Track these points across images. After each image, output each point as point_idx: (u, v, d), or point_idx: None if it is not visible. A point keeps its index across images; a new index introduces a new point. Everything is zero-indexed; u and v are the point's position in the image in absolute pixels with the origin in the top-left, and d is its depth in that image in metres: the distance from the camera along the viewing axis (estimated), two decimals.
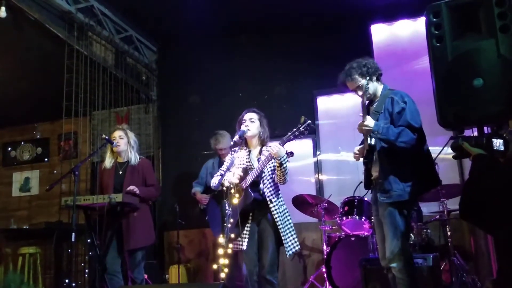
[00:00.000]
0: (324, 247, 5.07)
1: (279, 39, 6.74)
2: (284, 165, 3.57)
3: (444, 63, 2.50)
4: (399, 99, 3.20)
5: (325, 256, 4.92)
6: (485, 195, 2.27)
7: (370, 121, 3.13)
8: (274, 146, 3.47)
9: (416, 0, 5.50)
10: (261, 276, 3.60)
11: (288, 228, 3.67)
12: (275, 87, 6.75)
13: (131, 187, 4.26)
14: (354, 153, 3.42)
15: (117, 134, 4.46)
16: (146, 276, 4.72)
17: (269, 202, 3.65)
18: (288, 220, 3.70)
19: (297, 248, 3.65)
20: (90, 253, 6.32)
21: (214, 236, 5.64)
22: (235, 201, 3.66)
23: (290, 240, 3.63)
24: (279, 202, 3.71)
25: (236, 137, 3.74)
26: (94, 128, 7.04)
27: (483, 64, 2.40)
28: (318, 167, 6.37)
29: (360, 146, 3.38)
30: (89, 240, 6.02)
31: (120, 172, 4.41)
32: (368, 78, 3.30)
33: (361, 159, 3.39)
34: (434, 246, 4.71)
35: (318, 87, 6.49)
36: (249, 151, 3.85)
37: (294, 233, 3.69)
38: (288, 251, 3.61)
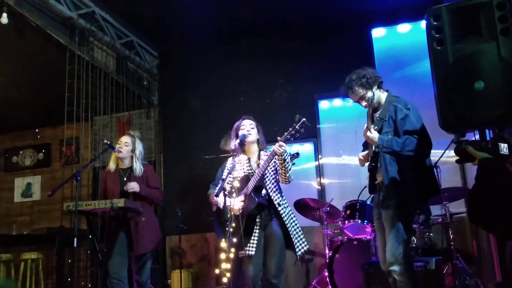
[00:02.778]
0: (327, 251, 5.07)
1: (280, 43, 6.75)
2: (287, 160, 3.62)
3: (445, 66, 2.49)
4: (402, 107, 3.22)
5: (327, 260, 4.91)
6: (494, 199, 2.27)
7: (374, 134, 3.14)
8: (277, 145, 3.53)
9: (417, 3, 5.53)
10: (265, 280, 3.63)
11: (296, 229, 3.73)
12: (276, 91, 6.76)
13: (132, 184, 4.23)
14: (359, 159, 3.43)
15: (124, 139, 4.44)
16: None
17: (277, 206, 3.69)
18: (294, 221, 3.76)
19: (306, 247, 3.72)
20: (92, 258, 6.32)
21: (218, 239, 5.66)
22: (237, 206, 3.67)
23: (299, 240, 3.70)
24: (285, 204, 3.77)
25: (237, 142, 3.76)
26: (95, 133, 7.06)
27: (484, 67, 2.40)
28: (319, 171, 6.36)
29: (365, 152, 3.39)
30: (91, 246, 6.02)
31: (125, 179, 4.39)
32: (369, 88, 3.31)
33: (366, 164, 3.39)
34: (436, 249, 4.71)
35: (319, 91, 6.49)
36: (249, 158, 3.88)
37: (302, 233, 3.75)
38: (298, 251, 3.67)
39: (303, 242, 3.71)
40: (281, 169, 3.65)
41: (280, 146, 3.50)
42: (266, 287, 3.63)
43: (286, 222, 3.66)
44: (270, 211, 3.72)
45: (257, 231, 3.72)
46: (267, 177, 3.73)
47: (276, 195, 3.72)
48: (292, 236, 3.65)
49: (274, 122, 6.21)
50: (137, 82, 7.04)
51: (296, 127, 3.44)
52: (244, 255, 3.69)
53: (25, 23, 5.30)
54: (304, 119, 3.44)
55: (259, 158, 3.84)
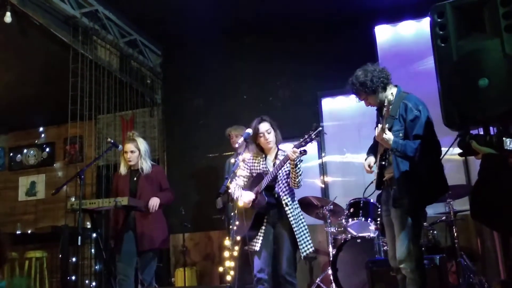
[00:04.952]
0: (330, 249, 5.06)
1: (283, 41, 6.74)
2: (299, 166, 3.67)
3: (449, 63, 2.49)
4: (413, 107, 3.13)
5: (331, 258, 4.91)
6: (497, 195, 2.26)
7: (390, 136, 3.09)
8: (292, 151, 3.55)
9: (420, 0, 5.50)
10: (281, 277, 3.69)
11: (303, 231, 3.77)
12: (279, 89, 6.75)
13: (152, 202, 4.27)
14: (366, 169, 3.38)
15: (129, 148, 4.45)
16: None
17: (284, 205, 3.75)
18: (302, 222, 3.80)
19: (311, 249, 3.76)
20: (97, 256, 6.34)
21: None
22: (241, 203, 3.71)
23: (305, 242, 3.73)
24: (294, 205, 3.81)
25: (240, 140, 3.80)
26: (99, 132, 7.07)
27: (488, 64, 2.39)
28: (323, 169, 6.35)
29: (371, 160, 3.36)
30: (95, 244, 6.04)
31: (135, 179, 4.45)
32: (373, 92, 3.23)
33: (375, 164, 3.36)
34: (440, 247, 4.69)
35: (323, 89, 6.48)
36: (265, 156, 3.91)
37: (308, 235, 3.78)
38: (303, 253, 3.71)
39: (309, 244, 3.75)
40: (292, 173, 3.70)
41: (294, 152, 3.53)
42: (282, 284, 3.69)
43: (292, 223, 3.71)
44: (280, 210, 3.77)
45: (263, 227, 3.78)
46: (280, 177, 3.79)
47: (285, 195, 3.78)
48: (297, 238, 3.70)
49: (278, 120, 6.21)
50: (140, 80, 7.05)
51: (312, 135, 3.49)
52: (249, 251, 3.76)
53: (28, 22, 5.31)
54: (320, 128, 3.47)
55: (276, 157, 3.89)
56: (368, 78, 3.22)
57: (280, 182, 3.79)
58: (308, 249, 3.73)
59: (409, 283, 3.09)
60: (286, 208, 3.74)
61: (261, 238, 3.75)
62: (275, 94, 6.73)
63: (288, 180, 3.78)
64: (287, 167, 3.74)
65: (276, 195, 3.78)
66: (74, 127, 5.93)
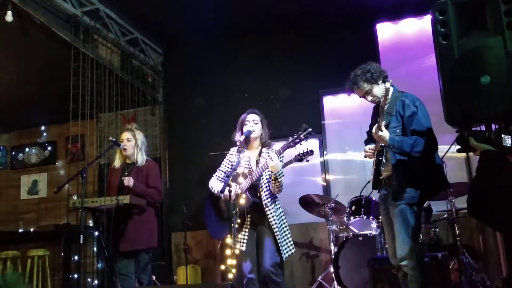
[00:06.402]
0: (332, 247, 5.06)
1: (284, 39, 6.74)
2: (279, 179, 3.63)
3: (451, 61, 2.48)
4: (410, 103, 3.19)
5: (333, 256, 4.91)
6: (494, 192, 2.25)
7: (386, 133, 3.11)
8: (273, 159, 3.51)
9: None
10: (266, 277, 3.67)
11: (284, 232, 3.76)
12: (280, 87, 6.74)
13: (128, 178, 4.20)
14: (367, 152, 3.39)
15: (125, 136, 4.43)
16: (154, 277, 4.71)
17: (264, 206, 3.72)
18: (284, 223, 3.80)
19: (292, 250, 3.77)
20: (99, 254, 6.35)
21: (211, 237, 5.69)
22: (242, 201, 3.71)
23: (286, 243, 3.73)
24: (275, 206, 3.79)
25: (242, 137, 3.77)
26: (101, 131, 7.08)
27: (490, 61, 2.38)
28: (325, 166, 6.35)
29: (372, 146, 3.36)
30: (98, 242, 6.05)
31: (126, 173, 4.38)
32: (374, 82, 3.28)
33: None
34: (442, 245, 4.70)
35: (324, 87, 6.48)
36: (247, 152, 3.89)
37: (290, 235, 3.79)
38: (284, 254, 3.70)
39: (291, 245, 3.76)
40: (273, 183, 3.68)
41: (273, 163, 3.48)
42: (268, 284, 3.67)
43: (272, 225, 3.69)
44: (262, 210, 3.75)
45: (248, 228, 3.78)
46: (263, 178, 3.77)
47: (266, 196, 3.75)
48: (279, 240, 3.68)
49: (279, 119, 6.22)
50: (141, 79, 7.05)
51: (301, 136, 3.46)
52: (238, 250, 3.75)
53: (29, 21, 5.31)
54: (310, 129, 3.44)
55: (259, 155, 3.86)
56: (370, 67, 3.31)
57: (262, 182, 3.77)
58: (289, 251, 3.73)
59: (410, 280, 3.10)
60: (266, 209, 3.71)
61: (246, 238, 3.75)
62: (276, 93, 6.73)
63: (269, 183, 3.75)
64: (268, 171, 3.70)
65: (258, 195, 3.76)
66: (76, 125, 5.93)
